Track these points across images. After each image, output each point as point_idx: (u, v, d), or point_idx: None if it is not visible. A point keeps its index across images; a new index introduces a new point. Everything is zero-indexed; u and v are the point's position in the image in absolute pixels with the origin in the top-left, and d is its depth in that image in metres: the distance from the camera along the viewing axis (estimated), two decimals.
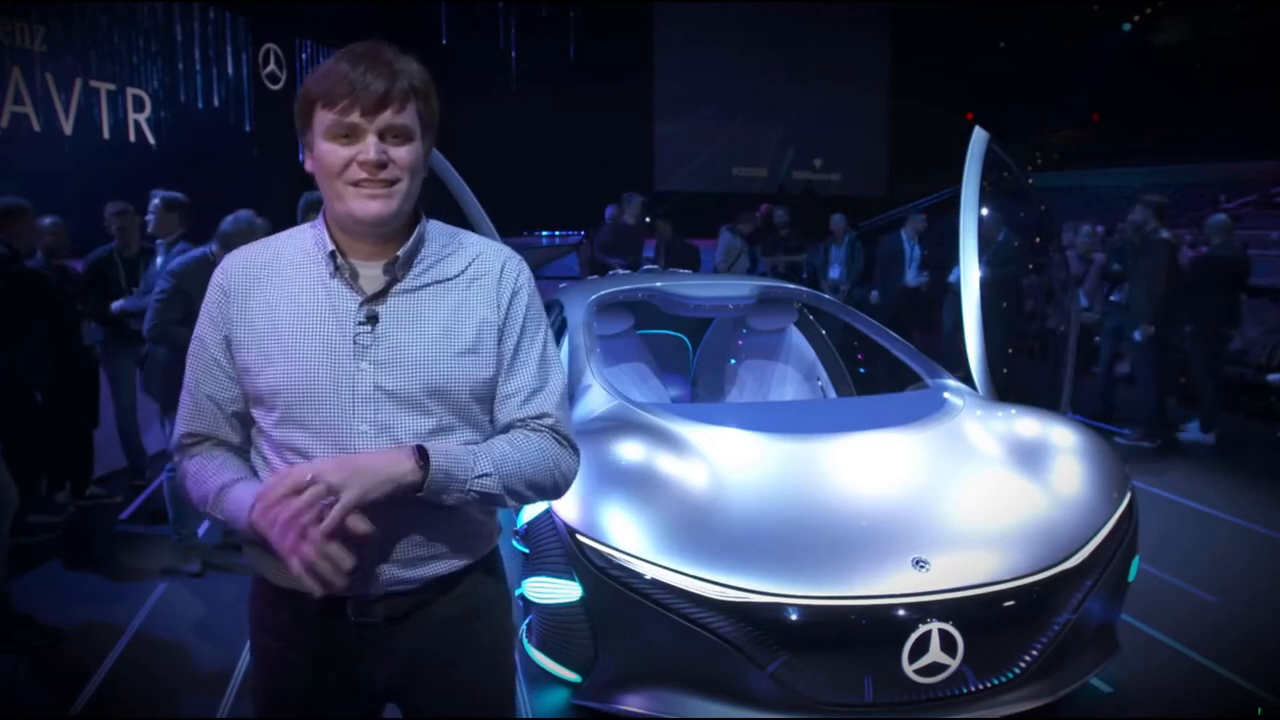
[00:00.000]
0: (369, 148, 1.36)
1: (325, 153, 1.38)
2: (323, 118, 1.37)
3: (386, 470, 1.33)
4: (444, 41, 13.89)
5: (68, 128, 7.49)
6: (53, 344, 4.48)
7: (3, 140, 6.84)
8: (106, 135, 7.96)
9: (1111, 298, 6.90)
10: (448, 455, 1.38)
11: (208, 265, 3.70)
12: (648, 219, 10.53)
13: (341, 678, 1.50)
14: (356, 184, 1.38)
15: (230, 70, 9.60)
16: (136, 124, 8.33)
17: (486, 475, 1.41)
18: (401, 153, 1.40)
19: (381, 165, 1.37)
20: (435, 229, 1.52)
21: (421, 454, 1.36)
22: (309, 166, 1.45)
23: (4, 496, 3.46)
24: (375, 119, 1.37)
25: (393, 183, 1.39)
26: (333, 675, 1.49)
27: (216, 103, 9.41)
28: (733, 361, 4.92)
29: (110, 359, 5.22)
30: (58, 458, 5.03)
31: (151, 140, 8.47)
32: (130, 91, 8.24)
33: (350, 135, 1.37)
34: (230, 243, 3.86)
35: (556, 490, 1.53)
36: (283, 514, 1.26)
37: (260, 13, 9.89)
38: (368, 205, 1.39)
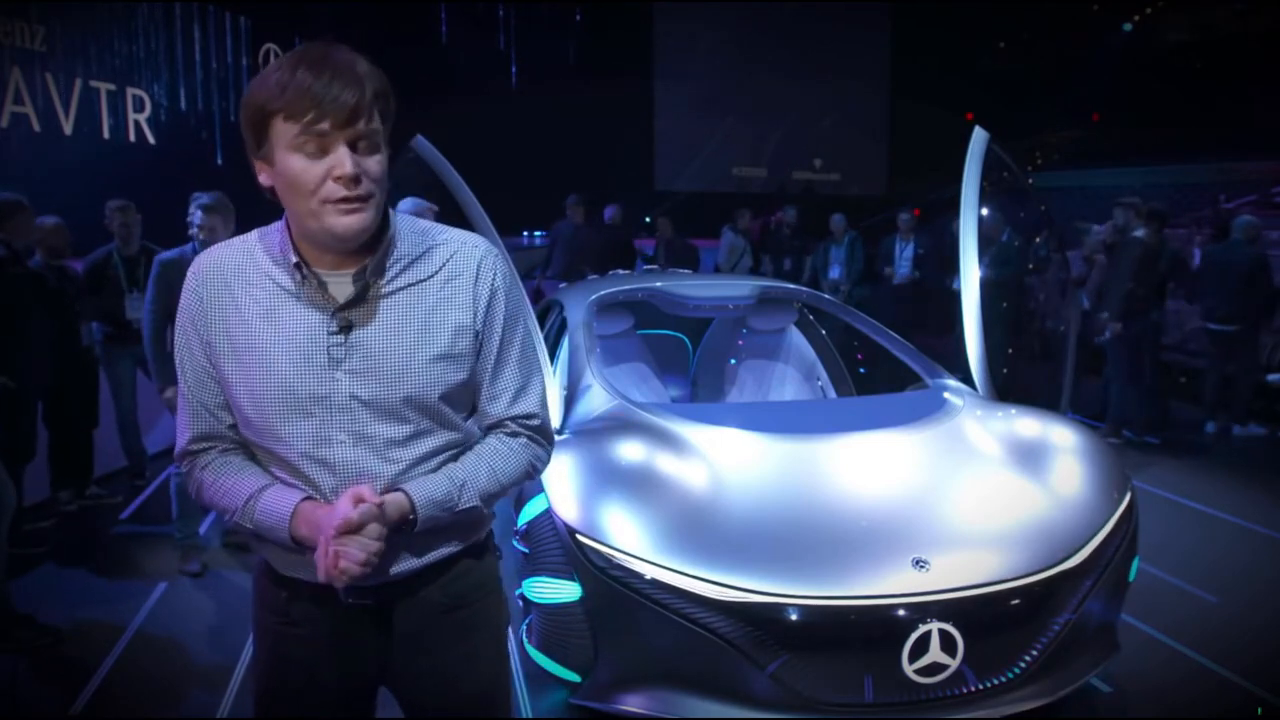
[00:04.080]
0: (344, 161, 1.32)
1: (296, 170, 1.33)
2: (285, 130, 1.32)
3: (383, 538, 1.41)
4: (444, 41, 13.88)
5: (68, 128, 7.48)
6: (53, 344, 4.48)
7: (3, 140, 6.83)
8: (106, 135, 7.95)
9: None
10: (431, 503, 1.44)
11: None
12: (647, 219, 10.50)
13: (334, 657, 1.53)
14: (334, 201, 1.34)
15: (230, 70, 9.59)
16: (136, 124, 8.32)
17: (473, 505, 1.49)
18: (372, 163, 1.36)
19: (357, 179, 1.33)
20: (404, 228, 1.48)
21: (411, 506, 1.43)
22: (265, 180, 1.39)
23: (3, 497, 3.46)
24: (347, 130, 1.32)
25: (368, 197, 1.36)
26: (326, 654, 1.53)
27: (217, 103, 9.40)
28: (733, 361, 4.92)
29: (110, 359, 5.22)
30: (58, 458, 5.03)
31: (151, 140, 8.46)
32: (130, 91, 8.23)
33: (319, 148, 1.32)
34: (217, 210, 3.93)
35: (530, 480, 1.63)
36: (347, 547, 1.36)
37: (260, 13, 9.88)
38: (347, 222, 1.35)
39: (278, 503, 1.42)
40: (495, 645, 1.65)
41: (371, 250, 1.43)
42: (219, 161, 9.22)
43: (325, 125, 1.31)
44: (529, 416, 1.57)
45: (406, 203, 3.77)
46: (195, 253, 3.98)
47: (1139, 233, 6.28)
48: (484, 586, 1.61)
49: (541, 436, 1.60)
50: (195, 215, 3.94)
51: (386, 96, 1.39)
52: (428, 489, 1.44)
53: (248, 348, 1.42)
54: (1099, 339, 6.46)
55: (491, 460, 1.52)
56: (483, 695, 1.62)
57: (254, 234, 1.49)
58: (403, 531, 1.43)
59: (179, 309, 1.49)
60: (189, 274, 1.48)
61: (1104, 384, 6.88)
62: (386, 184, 1.41)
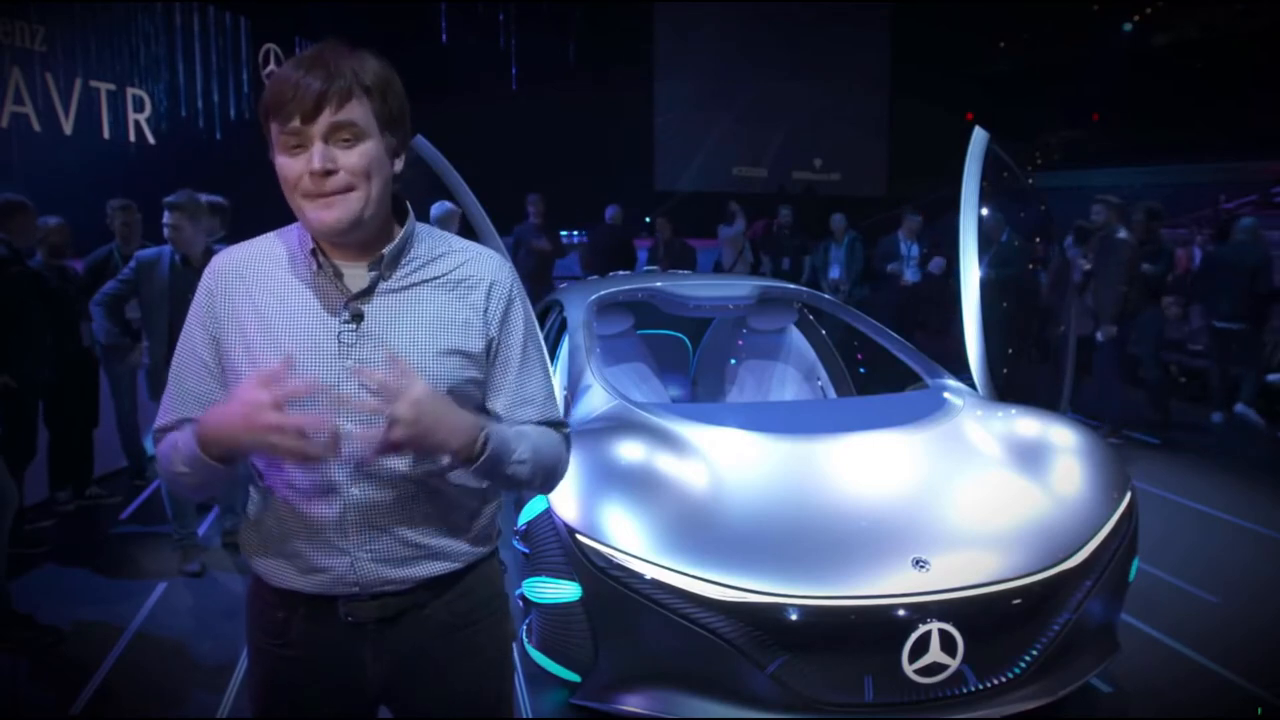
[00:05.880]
0: (314, 156, 1.31)
1: (280, 166, 1.35)
2: (274, 131, 1.34)
3: (452, 440, 1.34)
4: (444, 41, 13.88)
5: (68, 128, 7.48)
6: (53, 344, 4.48)
7: (3, 140, 6.83)
8: (106, 135, 7.95)
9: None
10: (500, 438, 1.40)
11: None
12: (647, 219, 10.47)
13: (333, 678, 1.50)
14: (310, 196, 1.34)
15: (230, 70, 9.60)
16: (136, 124, 8.32)
17: (522, 463, 1.44)
18: (351, 157, 1.33)
19: (328, 173, 1.33)
20: (424, 231, 1.50)
21: (484, 436, 1.37)
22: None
23: (4, 495, 3.46)
24: (315, 122, 1.31)
25: (346, 190, 1.34)
26: (324, 676, 1.49)
27: (216, 103, 9.40)
28: (733, 361, 4.92)
29: (110, 359, 5.22)
30: (58, 457, 5.03)
31: (151, 140, 8.47)
32: (130, 91, 8.24)
33: (298, 145, 1.33)
34: (183, 209, 3.97)
35: (553, 484, 1.58)
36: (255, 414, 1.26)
37: (260, 13, 9.88)
38: (322, 216, 1.35)
39: (189, 431, 1.38)
40: (500, 665, 1.62)
41: (387, 242, 1.43)
42: (219, 161, 9.22)
43: (296, 121, 1.31)
44: (559, 424, 1.57)
45: (438, 207, 3.76)
46: (173, 253, 4.01)
47: (1122, 234, 6.29)
48: (490, 604, 1.58)
49: (569, 443, 1.60)
50: (164, 214, 4.00)
51: (380, 91, 1.36)
52: (494, 425, 1.42)
53: (261, 336, 1.41)
54: (1096, 339, 6.47)
55: (533, 433, 1.50)
56: (486, 714, 1.59)
57: (273, 233, 1.51)
58: (464, 465, 1.38)
59: (189, 311, 1.49)
60: (204, 274, 1.49)
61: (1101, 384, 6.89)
62: (384, 174, 1.39)
